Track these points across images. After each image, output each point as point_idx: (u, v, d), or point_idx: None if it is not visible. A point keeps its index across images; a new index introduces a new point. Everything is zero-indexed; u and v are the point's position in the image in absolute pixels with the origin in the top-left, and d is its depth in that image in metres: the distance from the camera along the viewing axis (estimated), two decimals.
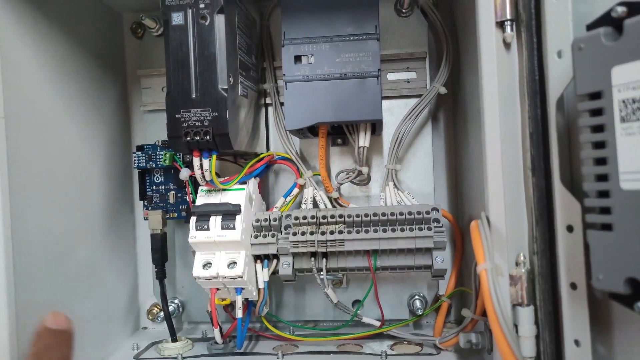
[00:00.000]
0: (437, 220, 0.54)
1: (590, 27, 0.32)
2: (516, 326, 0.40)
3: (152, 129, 0.67)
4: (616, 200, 0.31)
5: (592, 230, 0.33)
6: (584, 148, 0.33)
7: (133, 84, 0.70)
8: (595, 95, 0.31)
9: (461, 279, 0.62)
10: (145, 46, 0.67)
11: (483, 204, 0.43)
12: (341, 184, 0.62)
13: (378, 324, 0.60)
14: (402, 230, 0.53)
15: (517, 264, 0.41)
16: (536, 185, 0.39)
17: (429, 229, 0.53)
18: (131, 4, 0.66)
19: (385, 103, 0.64)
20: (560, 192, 0.37)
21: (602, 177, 0.32)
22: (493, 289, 0.38)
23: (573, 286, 0.37)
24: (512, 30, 0.40)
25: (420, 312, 0.63)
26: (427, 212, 0.54)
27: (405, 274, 0.64)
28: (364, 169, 0.60)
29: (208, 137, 0.50)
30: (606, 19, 0.31)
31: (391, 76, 0.63)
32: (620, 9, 0.30)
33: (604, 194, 0.32)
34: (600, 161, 0.32)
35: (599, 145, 0.32)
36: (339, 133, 0.62)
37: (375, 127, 0.59)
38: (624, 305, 0.31)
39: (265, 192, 0.66)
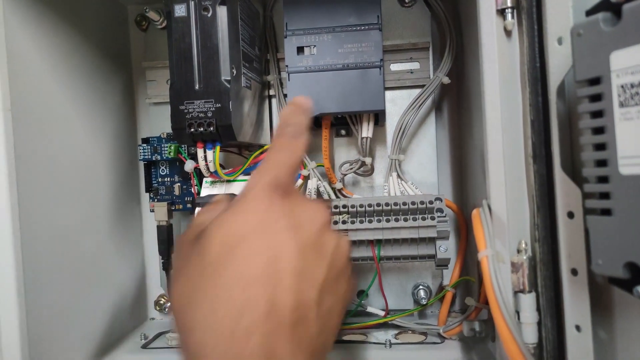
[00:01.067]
0: (440, 210, 0.54)
1: (589, 12, 0.32)
2: (518, 313, 0.40)
3: (158, 121, 0.67)
4: (615, 185, 0.31)
5: (591, 216, 0.33)
6: (583, 134, 0.33)
7: (138, 76, 0.70)
8: (594, 81, 0.31)
9: (466, 269, 0.62)
10: (150, 39, 0.68)
11: (485, 192, 0.44)
12: (345, 175, 0.63)
13: (382, 313, 0.60)
14: (406, 220, 0.54)
15: (518, 251, 0.41)
16: (537, 173, 0.40)
17: (432, 218, 0.53)
18: None
19: (388, 94, 0.65)
20: (560, 179, 0.37)
21: (602, 163, 0.32)
22: (494, 276, 0.38)
23: (574, 272, 0.37)
24: (512, 17, 0.40)
25: (424, 302, 0.63)
26: (431, 202, 0.54)
27: (410, 263, 0.65)
28: (368, 160, 0.60)
29: (212, 129, 0.50)
30: (605, 4, 0.31)
31: (394, 67, 0.63)
32: None
33: (603, 179, 0.32)
34: (600, 147, 0.32)
35: (598, 130, 0.32)
36: (342, 124, 0.63)
37: (378, 117, 0.59)
38: (624, 290, 0.31)
39: None
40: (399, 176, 0.60)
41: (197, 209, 0.55)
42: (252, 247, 0.32)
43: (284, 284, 0.31)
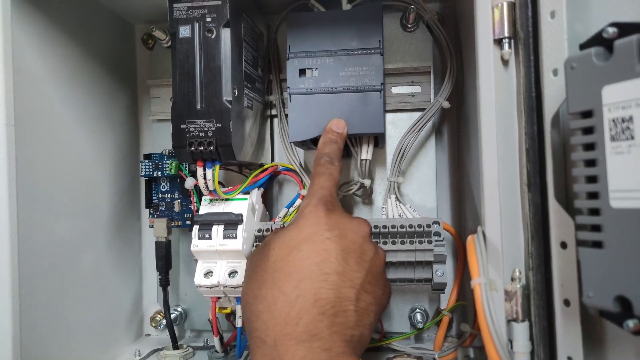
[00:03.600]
0: (438, 234, 0.54)
1: (583, 46, 0.33)
2: (511, 342, 0.40)
3: (161, 138, 0.68)
4: (606, 218, 0.31)
5: (583, 248, 0.33)
6: (575, 165, 0.33)
7: (143, 93, 0.71)
8: (587, 114, 0.32)
9: (463, 293, 0.62)
10: (156, 57, 0.69)
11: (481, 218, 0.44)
12: (344, 196, 0.63)
13: (378, 336, 0.60)
14: (403, 243, 0.54)
15: (512, 279, 0.41)
16: (532, 201, 0.40)
17: (430, 242, 0.53)
18: (143, 15, 0.68)
19: (389, 116, 0.65)
20: (554, 209, 0.37)
21: (593, 195, 0.32)
22: (486, 304, 0.38)
23: (566, 303, 0.37)
24: (509, 47, 0.41)
25: (420, 326, 0.63)
26: (428, 225, 0.54)
27: (407, 287, 0.64)
28: (367, 182, 0.60)
29: (212, 148, 0.50)
30: (598, 39, 0.31)
31: (396, 90, 0.64)
32: (611, 30, 0.30)
33: (594, 212, 0.32)
34: (591, 179, 0.32)
35: (590, 163, 0.32)
36: None
37: (378, 140, 0.59)
38: (614, 323, 0.31)
39: (269, 202, 0.67)
40: (397, 199, 0.61)
41: (195, 227, 0.55)
42: (304, 252, 0.41)
43: (327, 282, 0.40)
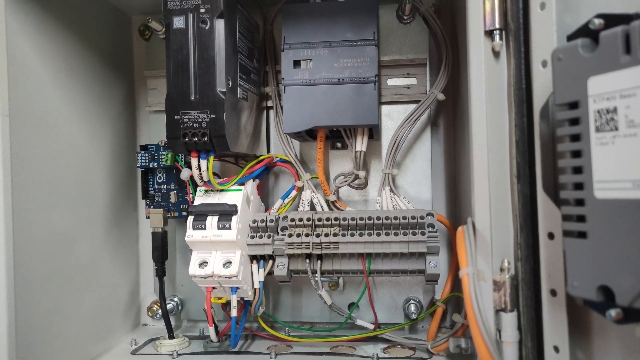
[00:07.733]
0: (431, 225, 0.55)
1: (570, 38, 0.33)
2: (499, 331, 0.41)
3: (157, 129, 0.69)
4: (591, 208, 0.31)
5: (568, 238, 0.33)
6: (562, 157, 0.33)
7: (140, 84, 0.72)
8: (573, 105, 0.32)
9: (457, 284, 0.62)
10: (152, 48, 0.69)
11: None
12: (339, 187, 0.63)
13: (372, 326, 0.61)
14: (396, 234, 0.54)
15: (501, 269, 0.41)
16: (521, 192, 0.40)
17: (423, 233, 0.54)
18: (139, 6, 0.68)
19: (385, 108, 0.65)
20: (542, 200, 0.38)
21: (578, 186, 0.32)
22: (474, 294, 0.38)
23: (553, 293, 0.37)
24: (500, 39, 0.41)
25: (414, 317, 0.63)
26: (422, 217, 0.55)
27: (401, 278, 0.65)
28: (361, 173, 0.61)
29: (205, 139, 0.51)
30: (584, 31, 0.31)
31: (391, 82, 0.64)
32: (597, 21, 0.30)
33: (579, 202, 0.32)
34: (577, 170, 0.32)
35: (576, 154, 0.32)
36: (338, 137, 0.63)
37: (373, 132, 0.60)
38: (597, 312, 0.32)
39: (265, 193, 0.67)
40: (391, 190, 0.61)
41: (190, 217, 0.55)
42: None
43: None
